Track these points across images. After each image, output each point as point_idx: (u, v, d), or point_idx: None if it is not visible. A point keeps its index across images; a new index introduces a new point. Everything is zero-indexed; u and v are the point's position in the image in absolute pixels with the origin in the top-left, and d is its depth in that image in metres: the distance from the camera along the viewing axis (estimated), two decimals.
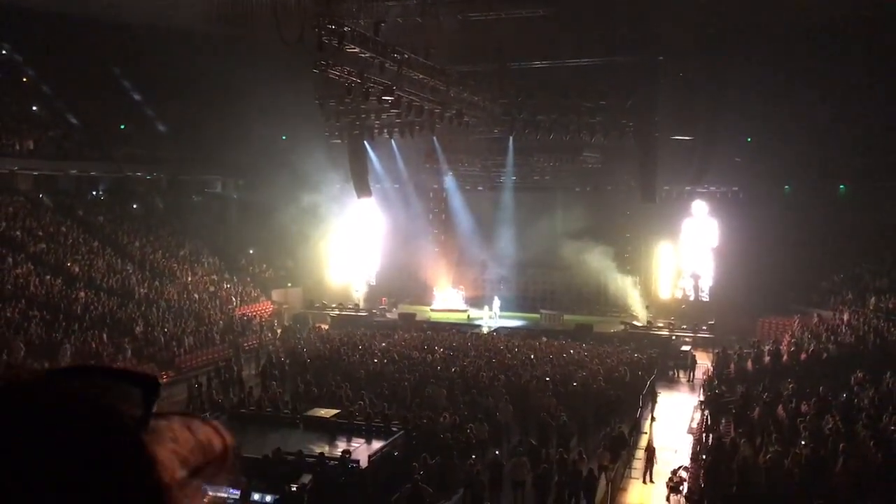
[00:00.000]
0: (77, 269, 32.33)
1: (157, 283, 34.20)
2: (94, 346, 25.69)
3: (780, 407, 19.09)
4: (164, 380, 26.23)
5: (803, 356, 24.53)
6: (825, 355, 23.99)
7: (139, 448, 0.84)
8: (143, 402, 0.87)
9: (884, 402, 18.06)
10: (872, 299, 29.43)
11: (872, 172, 36.01)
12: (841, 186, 38.47)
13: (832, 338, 25.86)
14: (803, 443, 15.73)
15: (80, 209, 38.81)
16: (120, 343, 26.79)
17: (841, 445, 14.67)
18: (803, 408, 18.63)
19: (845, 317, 28.43)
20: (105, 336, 26.71)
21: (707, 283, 38.10)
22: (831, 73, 33.99)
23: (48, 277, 30.43)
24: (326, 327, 36.36)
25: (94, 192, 42.99)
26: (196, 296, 34.63)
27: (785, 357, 25.17)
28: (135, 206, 43.34)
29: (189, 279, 36.32)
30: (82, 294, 30.07)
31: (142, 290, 32.83)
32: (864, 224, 35.47)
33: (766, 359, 25.44)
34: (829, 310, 31.02)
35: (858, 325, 26.53)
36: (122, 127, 43.24)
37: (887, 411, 16.98)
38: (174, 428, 0.92)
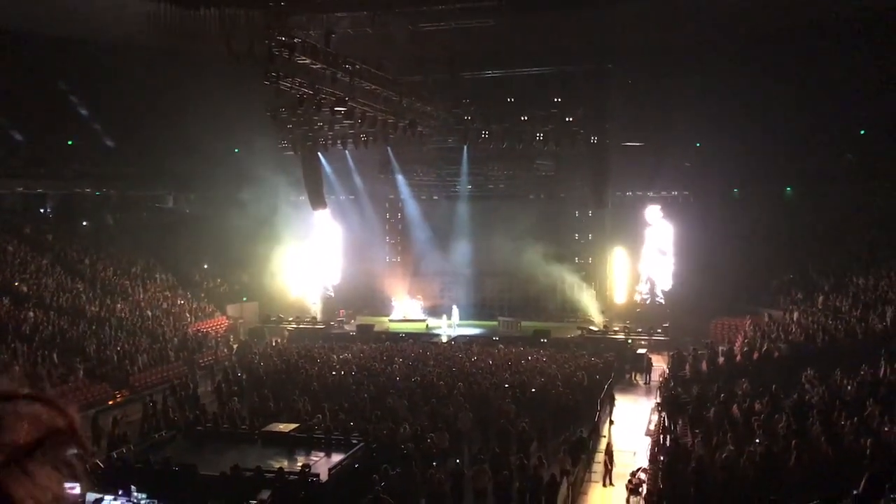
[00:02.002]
0: (25, 289, 31.52)
1: (108, 300, 33.51)
2: (44, 366, 25.06)
3: (734, 406, 19.41)
4: (119, 399, 25.76)
5: (756, 356, 24.95)
6: (776, 354, 24.44)
7: None
8: None
9: (833, 398, 18.47)
10: (821, 298, 30.00)
11: (816, 175, 36.90)
12: (787, 189, 39.37)
13: (783, 337, 26.37)
14: (757, 441, 16.01)
15: (27, 227, 37.88)
16: (71, 363, 26.18)
17: (793, 442, 14.97)
18: (757, 406, 18.96)
19: (795, 316, 28.92)
20: (56, 356, 26.09)
21: (662, 286, 38.61)
22: (776, 80, 34.86)
23: None
24: (283, 341, 35.95)
25: (42, 210, 42.05)
26: (149, 313, 34.01)
27: (738, 357, 25.58)
28: (84, 223, 42.49)
29: (142, 296, 35.67)
30: (31, 314, 29.28)
31: (93, 308, 32.14)
32: (810, 225, 36.34)
33: (720, 359, 25.84)
34: (779, 309, 31.57)
35: (808, 324, 27.03)
36: (70, 143, 42.31)
37: (836, 407, 17.38)
38: (11, 411, 0.94)
